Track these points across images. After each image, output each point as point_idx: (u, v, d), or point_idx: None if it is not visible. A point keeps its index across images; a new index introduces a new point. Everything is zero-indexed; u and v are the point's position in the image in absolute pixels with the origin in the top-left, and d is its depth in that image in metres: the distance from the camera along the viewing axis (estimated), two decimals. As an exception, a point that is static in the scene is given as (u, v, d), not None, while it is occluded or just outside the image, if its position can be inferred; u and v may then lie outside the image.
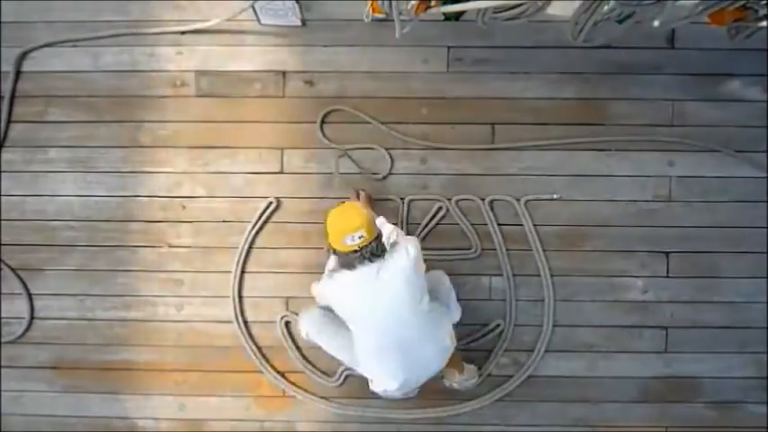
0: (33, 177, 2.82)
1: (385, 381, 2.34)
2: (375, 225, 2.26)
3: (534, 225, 2.75)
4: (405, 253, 2.22)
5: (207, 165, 2.80)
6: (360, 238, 2.15)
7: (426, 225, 2.76)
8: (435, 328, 2.33)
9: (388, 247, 2.28)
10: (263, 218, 2.77)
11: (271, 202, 2.77)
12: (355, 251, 2.17)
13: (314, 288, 2.45)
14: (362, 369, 2.41)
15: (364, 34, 2.77)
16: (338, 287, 2.27)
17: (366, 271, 2.20)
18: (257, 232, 2.78)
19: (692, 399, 2.76)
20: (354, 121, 2.78)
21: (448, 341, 2.36)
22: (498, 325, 2.74)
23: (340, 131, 2.79)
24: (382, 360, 2.31)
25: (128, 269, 2.81)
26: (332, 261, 2.42)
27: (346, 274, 2.24)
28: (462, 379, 2.59)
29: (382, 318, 2.24)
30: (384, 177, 2.77)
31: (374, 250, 2.19)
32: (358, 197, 2.63)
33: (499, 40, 2.76)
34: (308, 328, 2.51)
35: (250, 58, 2.81)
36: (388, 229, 2.43)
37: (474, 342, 2.74)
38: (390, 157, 2.76)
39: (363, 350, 2.33)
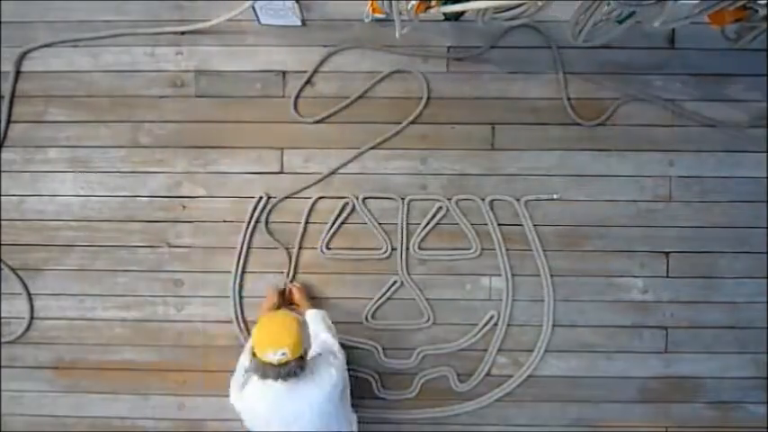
0: (33, 177, 2.82)
1: None
2: (303, 343, 2.08)
3: (534, 225, 2.75)
4: (328, 377, 2.16)
5: (207, 165, 2.80)
6: (282, 355, 2.01)
7: (426, 225, 2.76)
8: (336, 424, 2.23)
9: (313, 352, 2.19)
10: (257, 214, 2.77)
11: (261, 197, 2.77)
12: (273, 365, 2.03)
13: (232, 386, 2.29)
14: None
15: (364, 34, 2.77)
16: (248, 404, 2.18)
17: (279, 389, 2.10)
18: (254, 229, 2.78)
19: (692, 399, 2.76)
20: (356, 120, 2.79)
21: None
22: (492, 317, 2.74)
23: (341, 132, 2.80)
24: None
25: (128, 269, 2.81)
26: (247, 360, 2.17)
27: (257, 386, 2.13)
28: None
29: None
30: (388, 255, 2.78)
31: (292, 370, 2.05)
32: (283, 295, 2.64)
33: (499, 40, 2.76)
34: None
35: (250, 58, 2.80)
36: (321, 338, 2.32)
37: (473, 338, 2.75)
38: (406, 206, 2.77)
39: None
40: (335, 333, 2.41)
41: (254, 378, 2.14)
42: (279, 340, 2.03)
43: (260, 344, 2.05)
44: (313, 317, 2.44)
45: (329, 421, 2.21)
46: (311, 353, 2.19)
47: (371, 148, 2.78)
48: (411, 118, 2.77)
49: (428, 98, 2.77)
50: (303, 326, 2.15)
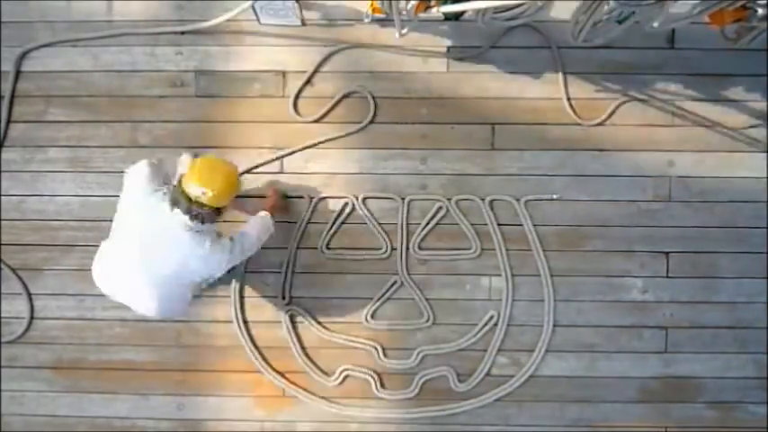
0: (33, 177, 2.82)
1: (100, 277, 2.34)
2: (227, 198, 2.14)
3: (534, 225, 2.75)
4: (214, 251, 2.19)
5: (207, 165, 2.80)
6: (203, 194, 2.06)
7: (426, 225, 2.76)
8: (168, 290, 2.25)
9: (215, 227, 2.23)
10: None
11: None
12: (188, 198, 2.08)
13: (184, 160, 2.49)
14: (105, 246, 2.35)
15: (364, 34, 2.77)
16: (139, 193, 2.21)
17: (169, 214, 2.12)
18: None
19: (692, 399, 2.76)
20: (354, 121, 2.79)
21: (167, 305, 2.29)
22: (492, 317, 2.74)
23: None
24: (113, 266, 2.29)
25: (128, 269, 2.81)
26: (173, 179, 2.27)
27: (158, 195, 2.17)
28: None
29: (139, 248, 2.18)
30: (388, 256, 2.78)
31: (200, 215, 2.10)
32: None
33: (499, 40, 2.76)
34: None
35: (250, 58, 2.80)
36: (242, 230, 2.36)
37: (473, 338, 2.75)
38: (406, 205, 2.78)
39: (112, 241, 2.30)
40: (258, 243, 2.41)
41: (157, 192, 2.20)
42: (210, 181, 2.08)
43: (191, 175, 2.10)
44: (260, 218, 2.46)
45: (170, 272, 2.20)
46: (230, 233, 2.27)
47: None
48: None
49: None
50: (237, 184, 2.19)
